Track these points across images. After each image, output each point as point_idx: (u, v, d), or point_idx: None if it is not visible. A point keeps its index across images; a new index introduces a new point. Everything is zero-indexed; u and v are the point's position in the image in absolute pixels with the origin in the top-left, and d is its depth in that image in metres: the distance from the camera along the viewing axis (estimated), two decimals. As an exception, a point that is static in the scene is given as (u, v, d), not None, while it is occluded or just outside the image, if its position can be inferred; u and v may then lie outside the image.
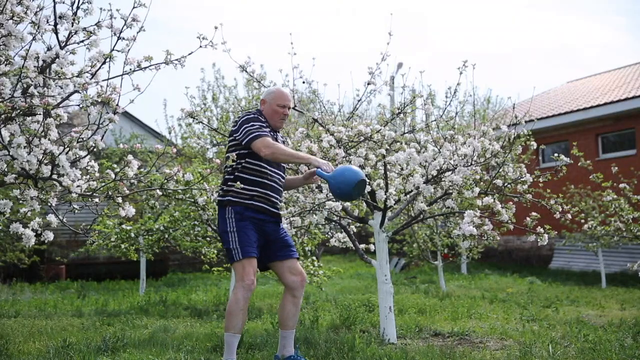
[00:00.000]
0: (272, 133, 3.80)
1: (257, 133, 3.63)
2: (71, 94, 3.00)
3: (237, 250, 3.57)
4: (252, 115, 3.75)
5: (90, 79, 2.98)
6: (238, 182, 3.59)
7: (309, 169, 4.02)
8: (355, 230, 5.65)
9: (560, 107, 14.81)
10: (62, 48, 3.03)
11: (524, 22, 48.58)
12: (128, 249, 8.21)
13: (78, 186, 3.06)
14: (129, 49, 3.09)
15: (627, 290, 9.50)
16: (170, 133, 14.01)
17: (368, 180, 3.65)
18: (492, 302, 7.58)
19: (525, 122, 4.98)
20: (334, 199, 3.75)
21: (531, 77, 41.80)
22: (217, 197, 3.82)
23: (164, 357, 4.11)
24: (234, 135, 3.74)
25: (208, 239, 7.77)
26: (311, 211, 4.66)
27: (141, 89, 3.02)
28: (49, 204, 3.09)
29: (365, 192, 3.68)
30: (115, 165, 3.26)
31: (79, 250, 10.48)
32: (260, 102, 3.92)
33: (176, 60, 3.20)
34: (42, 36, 2.99)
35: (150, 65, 3.12)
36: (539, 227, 4.24)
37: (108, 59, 3.01)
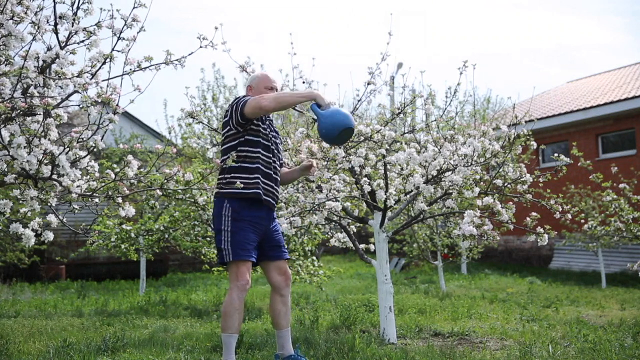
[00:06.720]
0: (266, 122, 3.71)
1: (246, 99, 3.56)
2: (71, 94, 3.00)
3: (227, 251, 3.49)
4: (240, 96, 3.66)
5: (91, 79, 2.97)
6: (238, 182, 3.48)
7: (311, 109, 3.70)
8: (355, 230, 5.64)
9: (560, 107, 14.81)
10: (62, 48, 3.03)
11: (524, 22, 48.60)
12: (128, 249, 8.22)
13: (78, 186, 3.06)
14: (129, 49, 3.09)
15: (627, 290, 9.50)
16: (170, 133, 14.04)
17: (355, 131, 3.59)
18: (492, 302, 7.58)
19: (525, 122, 4.98)
20: (323, 140, 3.65)
21: (531, 77, 41.84)
22: (215, 189, 3.70)
23: (164, 357, 4.11)
24: (227, 121, 3.63)
25: (208, 239, 7.77)
26: (311, 211, 4.65)
27: (141, 89, 3.01)
28: (49, 204, 3.09)
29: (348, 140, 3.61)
30: (115, 165, 3.26)
31: (79, 250, 10.48)
32: (247, 90, 3.83)
33: (176, 60, 3.19)
34: (42, 36, 2.99)
35: (150, 66, 3.11)
36: (539, 227, 4.23)
37: (108, 59, 3.01)
